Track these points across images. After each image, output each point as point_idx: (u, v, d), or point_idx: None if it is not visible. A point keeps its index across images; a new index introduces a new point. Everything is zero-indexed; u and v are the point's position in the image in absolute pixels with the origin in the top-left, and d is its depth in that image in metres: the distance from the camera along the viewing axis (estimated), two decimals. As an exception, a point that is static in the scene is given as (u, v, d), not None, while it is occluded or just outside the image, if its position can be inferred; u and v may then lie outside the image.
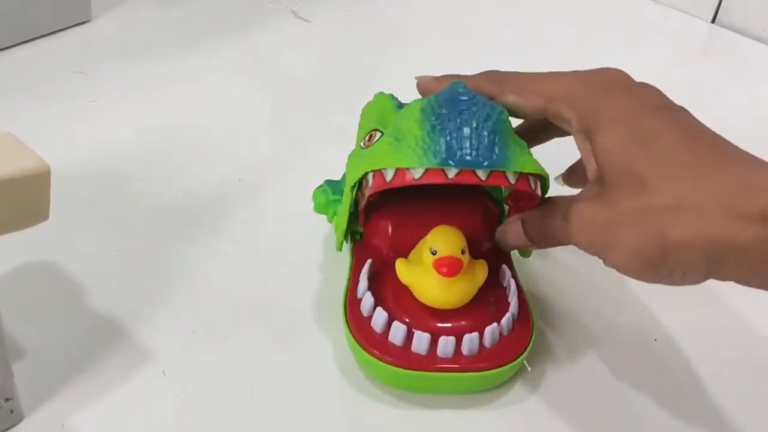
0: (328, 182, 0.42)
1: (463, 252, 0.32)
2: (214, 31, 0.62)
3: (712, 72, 0.63)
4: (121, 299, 0.37)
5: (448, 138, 0.29)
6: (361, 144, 0.36)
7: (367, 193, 0.32)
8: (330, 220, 0.40)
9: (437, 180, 0.29)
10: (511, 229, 0.34)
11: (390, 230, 0.36)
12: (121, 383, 0.33)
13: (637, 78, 0.31)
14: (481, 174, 0.30)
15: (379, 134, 0.34)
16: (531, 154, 0.32)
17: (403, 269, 0.33)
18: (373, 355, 0.31)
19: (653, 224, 0.26)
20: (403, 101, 0.36)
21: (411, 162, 0.30)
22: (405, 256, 0.34)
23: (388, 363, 0.31)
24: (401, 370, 0.31)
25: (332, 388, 0.33)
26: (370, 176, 0.32)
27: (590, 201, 0.29)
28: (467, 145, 0.29)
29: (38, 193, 0.28)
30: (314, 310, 0.37)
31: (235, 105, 0.53)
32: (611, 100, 0.30)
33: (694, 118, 0.30)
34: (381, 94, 0.37)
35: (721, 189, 0.26)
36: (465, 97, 0.30)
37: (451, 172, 0.29)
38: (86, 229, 0.41)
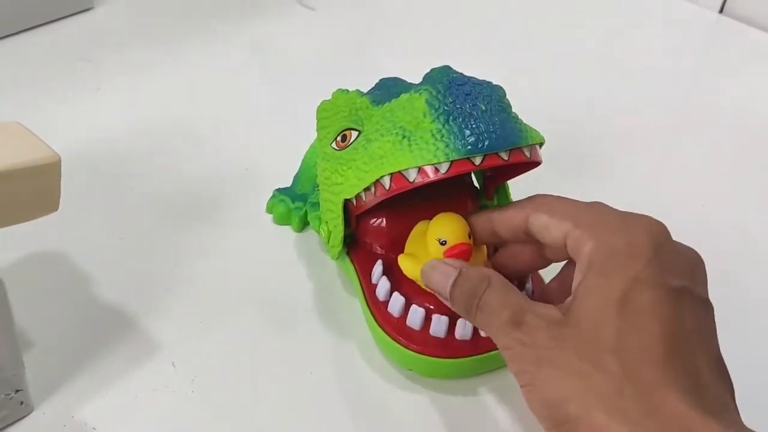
0: (280, 191, 0.42)
1: (469, 236, 0.32)
2: (219, 19, 0.61)
3: (720, 62, 0.62)
4: (129, 290, 0.36)
5: (464, 126, 0.29)
6: (333, 145, 0.34)
7: (381, 197, 0.31)
8: (297, 229, 0.40)
9: (464, 169, 0.29)
10: (441, 273, 0.30)
11: (388, 227, 0.36)
12: (130, 374, 0.33)
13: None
14: (504, 155, 0.29)
15: (356, 133, 0.33)
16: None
17: (408, 264, 0.33)
18: (401, 343, 0.32)
19: (579, 400, 0.24)
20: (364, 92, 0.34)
21: (435, 157, 0.29)
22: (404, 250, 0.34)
23: (427, 354, 0.32)
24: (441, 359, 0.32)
25: (339, 377, 0.33)
26: (386, 179, 0.30)
27: (547, 322, 0.26)
28: (484, 128, 0.29)
29: (48, 184, 0.27)
30: (321, 300, 0.37)
31: (241, 94, 0.52)
32: (633, 256, 0.26)
33: (707, 319, 0.26)
34: (343, 90, 0.35)
35: (656, 426, 0.23)
36: (462, 81, 0.30)
37: (477, 160, 0.29)
38: (93, 219, 0.41)
